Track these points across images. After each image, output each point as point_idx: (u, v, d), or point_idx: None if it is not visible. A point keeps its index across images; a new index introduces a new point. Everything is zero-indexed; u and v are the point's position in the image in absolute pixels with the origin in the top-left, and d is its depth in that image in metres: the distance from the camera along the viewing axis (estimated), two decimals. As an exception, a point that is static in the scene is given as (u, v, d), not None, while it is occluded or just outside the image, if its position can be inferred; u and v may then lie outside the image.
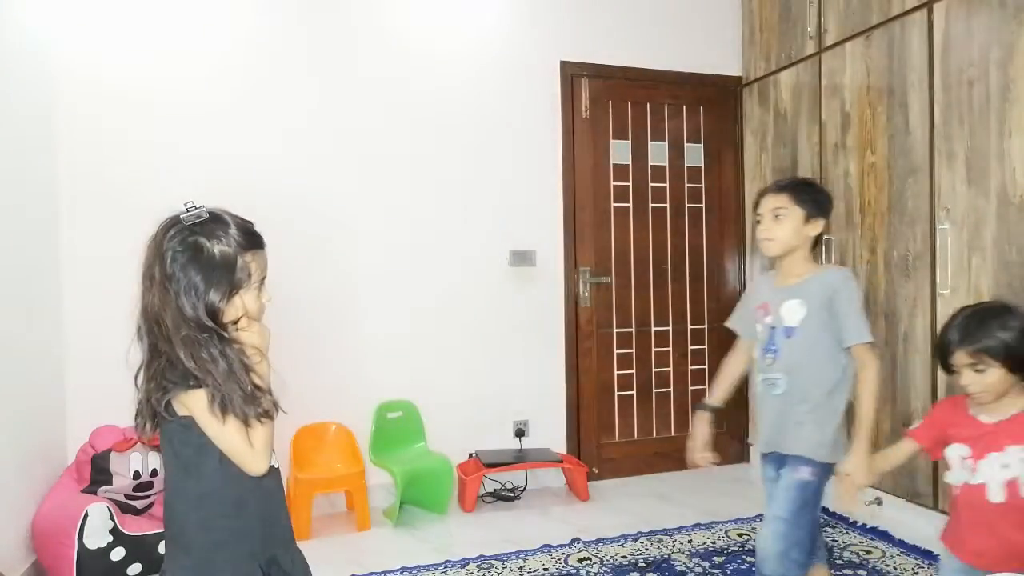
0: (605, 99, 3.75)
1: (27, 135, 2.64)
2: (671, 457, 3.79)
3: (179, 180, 3.03)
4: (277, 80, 3.20)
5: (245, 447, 1.28)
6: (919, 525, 2.88)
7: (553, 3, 3.63)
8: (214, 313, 1.27)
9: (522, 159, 3.59)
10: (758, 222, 1.99)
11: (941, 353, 1.65)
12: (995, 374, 1.54)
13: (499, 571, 2.58)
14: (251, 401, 1.27)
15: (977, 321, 1.59)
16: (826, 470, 1.92)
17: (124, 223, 2.95)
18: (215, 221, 1.30)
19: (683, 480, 3.67)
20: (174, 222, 1.30)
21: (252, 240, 1.33)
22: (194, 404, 1.27)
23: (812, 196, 1.97)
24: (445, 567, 2.61)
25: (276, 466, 1.40)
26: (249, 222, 1.36)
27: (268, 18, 3.19)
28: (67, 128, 2.89)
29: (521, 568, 2.60)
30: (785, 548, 1.85)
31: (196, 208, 1.30)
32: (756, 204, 2.03)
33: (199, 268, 1.27)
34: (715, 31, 3.92)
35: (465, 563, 2.64)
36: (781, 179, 2.08)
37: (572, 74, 3.67)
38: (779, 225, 1.94)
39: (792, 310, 1.94)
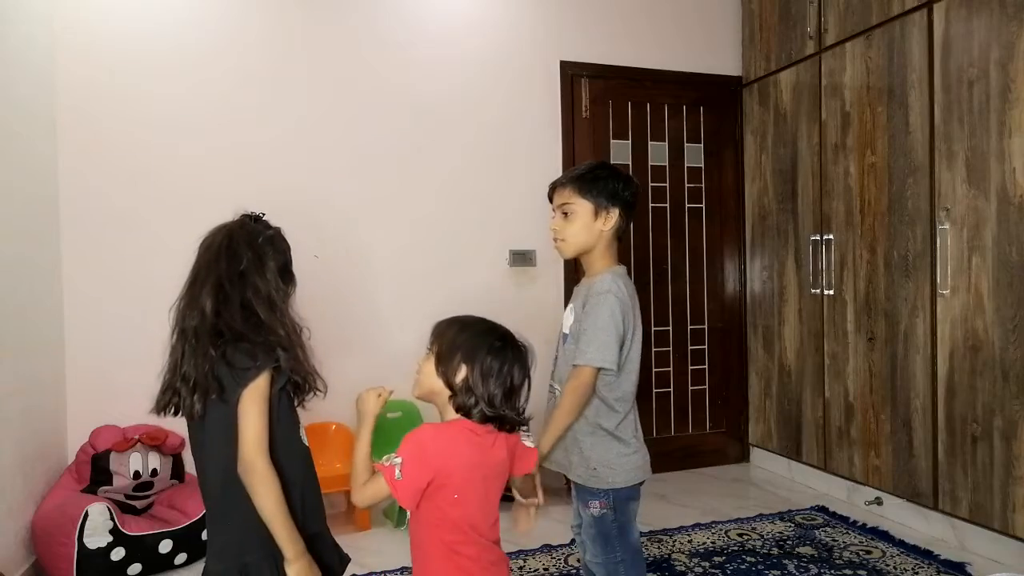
0: (605, 99, 3.75)
1: (29, 137, 2.64)
2: (671, 457, 3.80)
3: (179, 182, 3.03)
4: (276, 83, 3.20)
5: (262, 437, 1.36)
6: (919, 525, 2.89)
7: (553, 3, 3.63)
8: (284, 294, 1.47)
9: (522, 159, 3.59)
10: (553, 218, 1.79)
11: None
12: (428, 365, 1.44)
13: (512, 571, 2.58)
14: (303, 368, 1.43)
15: (466, 322, 1.47)
16: (621, 494, 1.72)
17: (125, 223, 2.98)
18: (279, 232, 1.54)
19: (683, 480, 3.68)
20: (253, 216, 1.51)
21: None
22: (256, 386, 1.35)
23: (603, 186, 1.72)
24: (445, 567, 2.61)
25: (308, 447, 1.52)
26: None
27: (268, 23, 3.19)
28: (68, 129, 2.89)
29: (521, 568, 2.60)
30: None
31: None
32: (549, 197, 1.80)
33: (282, 261, 1.49)
34: (715, 31, 3.92)
35: (465, 563, 2.64)
36: (573, 168, 1.81)
37: (572, 74, 3.67)
38: (568, 224, 1.73)
39: (567, 315, 1.80)
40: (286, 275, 1.50)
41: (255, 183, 3.09)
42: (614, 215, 1.74)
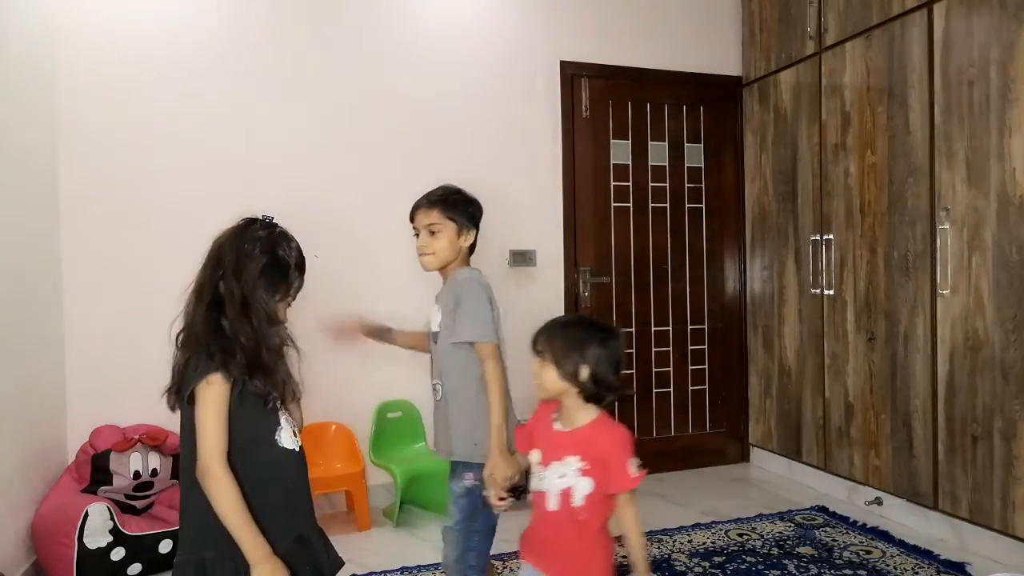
0: (605, 99, 3.75)
1: (28, 134, 2.63)
2: (671, 457, 3.80)
3: (179, 182, 3.03)
4: (275, 84, 3.19)
5: (217, 437, 1.38)
6: (919, 525, 2.89)
7: (553, 3, 3.63)
8: (264, 300, 1.46)
9: (522, 159, 3.59)
10: (416, 235, 2.02)
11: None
12: (549, 372, 1.60)
13: (499, 571, 2.58)
14: (262, 374, 1.41)
15: (567, 324, 1.69)
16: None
17: (125, 223, 2.98)
18: (285, 236, 1.53)
19: (683, 480, 3.68)
20: (254, 220, 1.52)
21: (303, 263, 1.56)
22: (205, 390, 1.37)
23: (462, 209, 2.02)
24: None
25: (296, 449, 1.51)
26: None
27: (269, 24, 3.19)
28: (68, 127, 2.89)
29: (521, 567, 2.60)
30: (459, 554, 1.88)
31: (273, 221, 1.55)
32: (411, 217, 2.04)
33: (267, 263, 1.46)
34: (715, 31, 3.92)
35: (465, 563, 2.64)
36: (432, 192, 2.06)
37: (572, 74, 3.67)
38: (435, 240, 1.98)
39: (435, 315, 2.01)
40: (275, 275, 1.47)
41: (255, 183, 3.09)
42: (472, 234, 2.05)
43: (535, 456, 1.65)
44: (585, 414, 1.62)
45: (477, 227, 2.08)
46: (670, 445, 3.82)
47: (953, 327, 2.69)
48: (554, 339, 1.62)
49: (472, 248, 2.07)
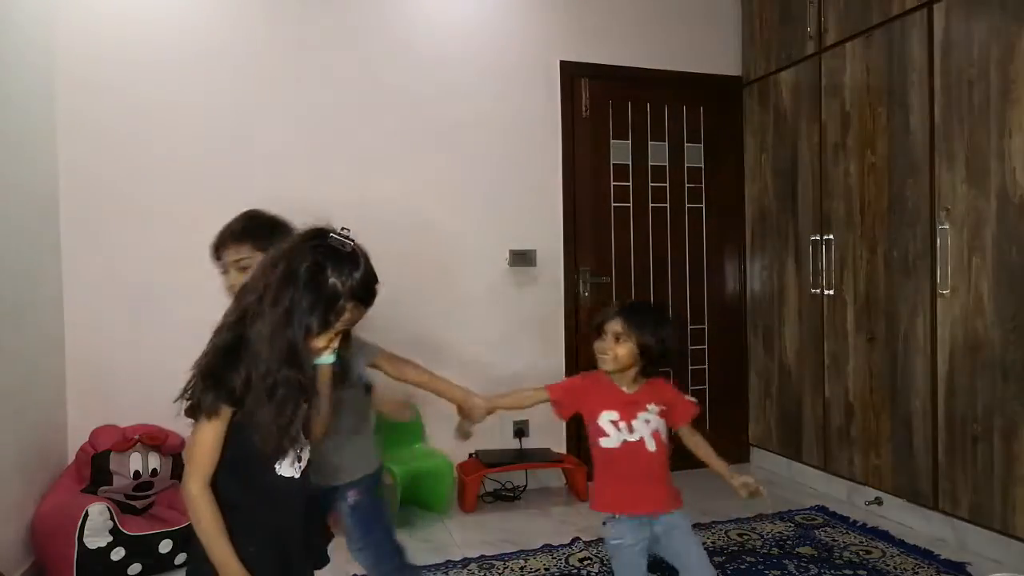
0: (605, 99, 3.75)
1: (28, 135, 2.63)
2: (671, 456, 3.79)
3: (180, 182, 3.03)
4: (275, 84, 3.20)
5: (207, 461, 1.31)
6: (919, 525, 2.89)
7: (553, 3, 3.63)
8: (291, 336, 1.31)
9: (522, 159, 3.59)
10: (224, 272, 1.83)
11: (602, 317, 1.99)
12: (627, 348, 1.90)
13: (500, 571, 2.58)
14: (270, 414, 1.30)
15: (645, 308, 2.01)
16: (370, 479, 1.97)
17: (125, 222, 2.98)
18: (350, 260, 1.36)
19: (683, 480, 3.64)
20: (320, 234, 1.36)
21: (365, 294, 1.39)
22: (200, 419, 1.31)
23: (273, 238, 1.77)
24: (446, 567, 2.61)
25: (296, 476, 1.42)
26: (377, 280, 1.46)
27: (269, 24, 3.19)
28: (68, 127, 2.89)
29: (522, 568, 2.60)
30: (375, 562, 1.93)
31: (348, 238, 1.38)
32: (217, 254, 1.84)
33: (306, 288, 1.31)
34: (715, 31, 3.92)
35: (466, 563, 2.64)
36: (235, 223, 1.85)
37: (572, 74, 3.67)
38: (246, 276, 1.76)
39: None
40: (313, 308, 1.31)
41: (255, 184, 3.08)
42: None
43: (611, 416, 1.93)
44: (643, 377, 1.96)
45: None
46: (669, 445, 3.81)
47: (953, 327, 2.69)
48: (635, 320, 1.91)
49: None
